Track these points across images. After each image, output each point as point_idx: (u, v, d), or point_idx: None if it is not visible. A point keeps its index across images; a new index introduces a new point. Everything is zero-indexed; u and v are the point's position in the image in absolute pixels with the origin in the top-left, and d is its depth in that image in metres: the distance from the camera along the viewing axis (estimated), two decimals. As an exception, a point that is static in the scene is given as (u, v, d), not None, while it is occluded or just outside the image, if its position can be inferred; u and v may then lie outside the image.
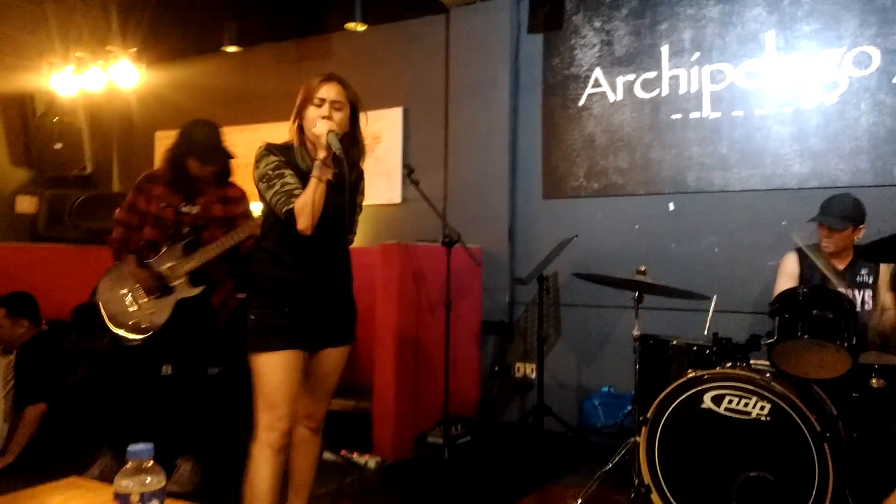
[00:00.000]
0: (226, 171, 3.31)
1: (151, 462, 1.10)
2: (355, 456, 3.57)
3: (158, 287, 3.13)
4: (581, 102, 4.32)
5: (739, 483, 2.44)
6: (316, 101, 2.22)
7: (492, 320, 4.42)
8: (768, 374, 2.50)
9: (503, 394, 4.42)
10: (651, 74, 4.11)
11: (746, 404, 2.46)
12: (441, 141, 4.73)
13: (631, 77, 4.17)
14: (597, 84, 4.27)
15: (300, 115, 2.26)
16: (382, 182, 4.85)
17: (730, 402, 2.49)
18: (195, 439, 3.22)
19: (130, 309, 3.16)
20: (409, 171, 3.73)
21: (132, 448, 1.09)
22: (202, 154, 3.18)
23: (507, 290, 4.45)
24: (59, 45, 4.80)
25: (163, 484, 1.09)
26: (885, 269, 3.24)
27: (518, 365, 4.38)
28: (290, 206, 2.15)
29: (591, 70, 4.29)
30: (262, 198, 2.28)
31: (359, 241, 2.62)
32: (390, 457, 3.62)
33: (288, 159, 2.25)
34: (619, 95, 4.20)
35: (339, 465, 3.54)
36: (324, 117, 2.18)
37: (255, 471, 2.18)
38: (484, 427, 4.08)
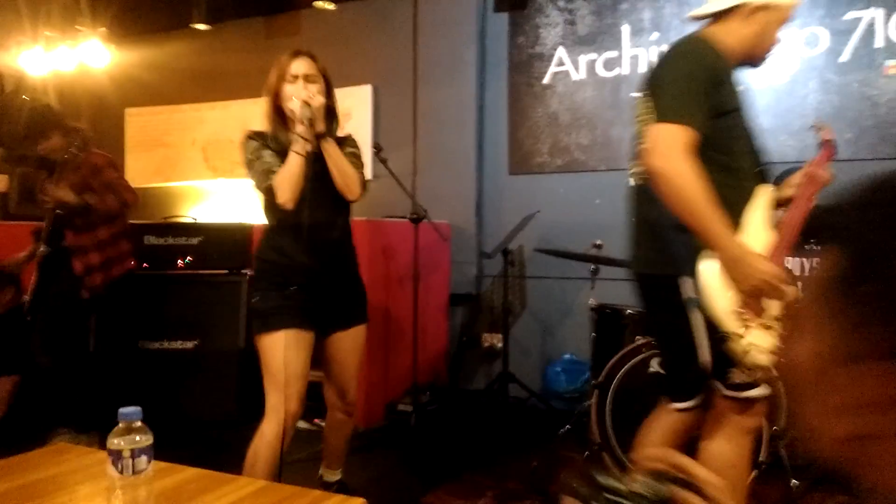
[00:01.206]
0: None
1: (140, 422, 1.23)
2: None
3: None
4: (545, 81, 4.45)
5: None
6: (289, 77, 2.27)
7: (460, 292, 4.58)
8: (710, 340, 2.69)
9: (471, 363, 4.60)
10: (613, 54, 4.24)
11: (689, 368, 2.65)
12: (410, 118, 4.83)
13: (593, 56, 4.30)
14: (560, 63, 4.40)
15: (276, 95, 2.30)
16: (353, 159, 4.94)
17: (675, 366, 2.68)
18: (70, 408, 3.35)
19: None
20: (377, 150, 3.82)
21: (123, 410, 1.23)
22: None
23: (474, 263, 4.61)
24: (28, 23, 4.80)
25: (150, 441, 1.23)
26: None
27: (485, 335, 4.55)
28: (270, 182, 2.21)
29: (554, 49, 4.42)
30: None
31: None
32: (361, 424, 3.79)
33: (267, 142, 2.31)
34: (582, 74, 4.33)
35: (312, 433, 3.70)
36: (301, 91, 2.25)
37: (257, 447, 2.24)
38: (452, 394, 4.26)
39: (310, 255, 2.28)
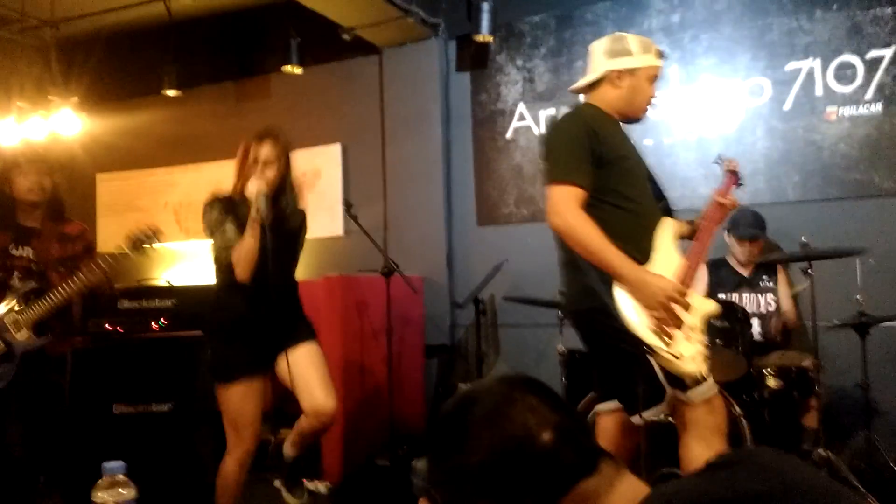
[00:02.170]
0: (59, 208, 3.12)
1: (123, 476, 1.28)
2: (305, 482, 3.71)
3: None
4: (508, 135, 4.63)
5: (654, 480, 2.70)
6: (251, 160, 2.54)
7: (434, 343, 4.64)
8: (674, 380, 2.78)
9: (448, 413, 4.62)
10: (570, 108, 4.43)
11: (656, 408, 2.73)
12: (379, 174, 4.96)
13: (552, 111, 4.49)
14: (521, 118, 4.58)
15: (241, 172, 2.58)
16: (324, 216, 5.03)
17: (642, 406, 2.76)
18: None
19: None
20: (348, 207, 3.93)
21: (107, 465, 1.28)
22: (26, 165, 2.97)
23: (447, 314, 4.69)
24: (0, 95, 4.88)
25: (134, 494, 1.27)
26: (782, 275, 3.65)
27: (461, 385, 4.59)
28: (230, 260, 2.49)
29: (515, 105, 4.61)
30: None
31: (302, 273, 2.85)
32: (340, 480, 3.79)
33: (230, 208, 2.56)
34: (543, 128, 4.51)
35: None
36: (256, 178, 2.49)
37: (223, 474, 2.62)
38: (430, 446, 4.26)
39: (253, 311, 2.56)
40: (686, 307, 2.01)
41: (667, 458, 2.49)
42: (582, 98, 2.42)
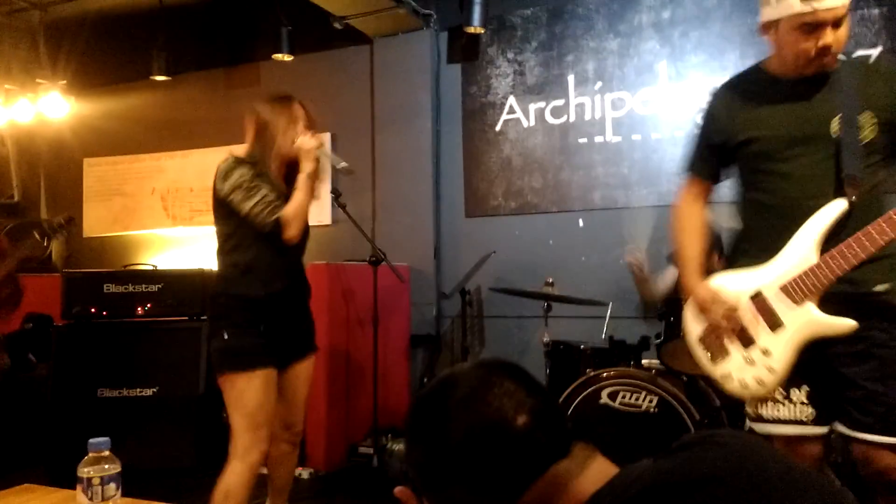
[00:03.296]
0: None
1: (108, 452, 1.30)
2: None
3: None
4: (498, 128, 4.64)
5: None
6: (295, 120, 2.36)
7: (420, 333, 4.66)
8: (655, 371, 2.82)
9: (433, 403, 4.64)
10: (559, 102, 4.46)
11: (637, 398, 2.78)
12: (369, 164, 4.96)
13: (542, 104, 4.51)
14: (511, 111, 4.60)
15: (272, 134, 2.32)
16: (313, 205, 5.03)
17: (623, 396, 2.80)
18: None
19: None
20: (336, 195, 3.93)
21: (92, 441, 1.29)
22: None
23: (433, 304, 4.70)
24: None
25: (118, 469, 1.29)
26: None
27: (445, 375, 4.62)
28: (277, 216, 2.24)
29: (505, 98, 4.62)
30: (230, 211, 2.30)
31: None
32: (323, 467, 3.81)
33: (259, 173, 2.31)
34: (532, 121, 4.54)
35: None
36: (306, 135, 2.34)
37: (231, 484, 2.22)
38: (414, 435, 4.29)
39: (283, 290, 2.38)
40: (727, 321, 1.80)
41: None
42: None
